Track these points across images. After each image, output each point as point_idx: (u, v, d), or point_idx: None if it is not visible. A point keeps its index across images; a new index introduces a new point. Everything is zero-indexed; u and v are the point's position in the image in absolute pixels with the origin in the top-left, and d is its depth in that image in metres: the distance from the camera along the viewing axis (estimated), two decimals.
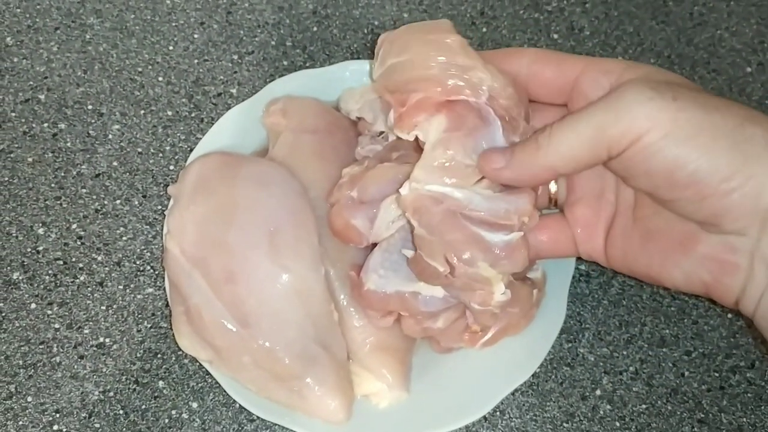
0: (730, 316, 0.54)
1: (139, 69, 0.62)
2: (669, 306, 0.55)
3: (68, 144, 0.58)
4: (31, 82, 0.61)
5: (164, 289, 0.50)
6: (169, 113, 0.60)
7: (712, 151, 0.35)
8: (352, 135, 0.52)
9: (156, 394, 0.50)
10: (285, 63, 0.63)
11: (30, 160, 0.57)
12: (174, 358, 0.51)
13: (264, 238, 0.46)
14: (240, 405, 0.49)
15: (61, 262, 0.54)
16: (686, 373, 0.52)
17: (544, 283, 0.50)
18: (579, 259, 0.55)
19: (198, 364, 0.51)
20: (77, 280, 0.53)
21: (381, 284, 0.45)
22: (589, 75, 0.41)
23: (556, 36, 0.65)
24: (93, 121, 0.59)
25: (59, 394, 0.50)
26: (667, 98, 0.36)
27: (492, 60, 0.43)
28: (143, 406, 0.50)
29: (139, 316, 0.52)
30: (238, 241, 0.46)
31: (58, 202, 0.56)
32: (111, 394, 0.50)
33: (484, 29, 0.65)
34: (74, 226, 0.55)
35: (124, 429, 0.49)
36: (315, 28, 0.65)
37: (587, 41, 0.65)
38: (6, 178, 0.57)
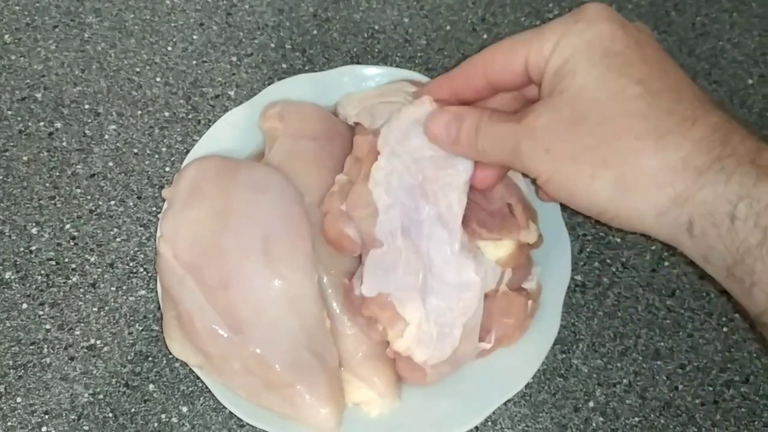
0: (725, 329, 0.54)
1: (137, 69, 0.62)
2: (664, 318, 0.54)
3: (64, 143, 0.58)
4: (28, 81, 0.60)
5: (157, 292, 0.50)
6: (166, 114, 0.60)
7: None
8: (350, 141, 0.52)
9: (146, 398, 0.50)
10: (284, 66, 0.62)
11: (25, 158, 0.57)
12: (165, 362, 0.51)
13: (258, 245, 0.46)
14: (230, 411, 0.49)
15: (54, 263, 0.54)
16: (680, 387, 0.52)
17: (539, 294, 0.49)
18: (575, 269, 0.55)
19: (189, 368, 0.50)
20: (69, 281, 0.53)
21: (367, 290, 0.44)
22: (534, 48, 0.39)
23: None
24: (89, 120, 0.59)
25: (48, 396, 0.50)
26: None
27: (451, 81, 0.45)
28: (133, 410, 0.49)
29: (131, 318, 0.52)
30: (233, 246, 0.46)
31: (53, 201, 0.56)
32: (101, 396, 0.50)
33: (485, 36, 0.65)
34: (68, 226, 0.55)
35: None
36: (315, 32, 0.64)
37: None
38: (0, 177, 0.56)
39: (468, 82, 0.44)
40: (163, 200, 0.50)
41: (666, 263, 0.56)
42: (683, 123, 0.34)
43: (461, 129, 0.42)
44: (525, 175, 0.49)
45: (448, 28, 0.65)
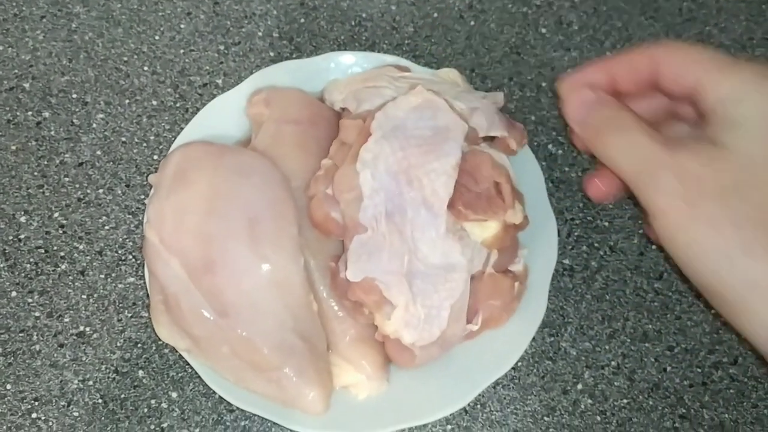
0: (713, 311, 0.54)
1: (125, 58, 0.62)
2: (652, 301, 0.54)
3: (52, 132, 0.58)
4: (16, 71, 0.60)
5: (145, 279, 0.50)
6: (154, 103, 0.60)
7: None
8: (335, 126, 0.52)
9: (135, 384, 0.50)
10: (271, 54, 0.62)
11: (13, 148, 0.57)
12: (154, 348, 0.51)
13: (244, 228, 0.46)
14: (219, 396, 0.49)
15: (43, 251, 0.54)
16: (668, 369, 0.52)
17: (526, 276, 0.50)
18: (563, 254, 0.55)
19: (178, 354, 0.50)
20: (58, 269, 0.53)
21: (352, 275, 0.44)
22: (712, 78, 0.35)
23: (544, 30, 0.65)
24: (77, 110, 0.59)
25: (38, 383, 0.50)
26: None
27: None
28: (122, 395, 0.50)
29: (120, 305, 0.52)
30: (218, 230, 0.46)
31: (41, 190, 0.56)
32: (90, 383, 0.50)
33: (472, 23, 0.65)
34: (56, 214, 0.55)
35: (103, 418, 0.49)
36: (302, 20, 0.64)
37: (575, 36, 0.65)
38: None
39: (631, 72, 0.39)
40: (151, 187, 0.50)
41: (653, 247, 0.56)
42: None
43: (599, 114, 0.37)
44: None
45: (435, 15, 0.65)
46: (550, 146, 0.60)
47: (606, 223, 0.57)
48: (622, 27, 0.66)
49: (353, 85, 0.53)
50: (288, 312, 0.45)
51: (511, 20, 0.65)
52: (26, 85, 0.60)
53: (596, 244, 0.56)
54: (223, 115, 0.54)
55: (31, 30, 0.62)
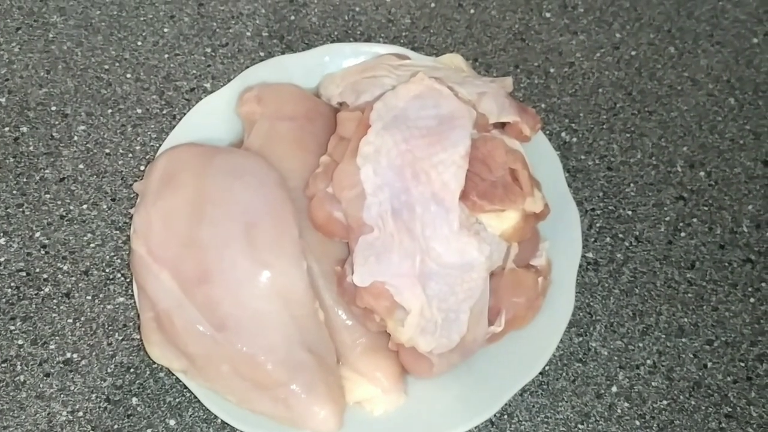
0: (752, 300, 0.50)
1: (106, 66, 0.58)
2: (686, 293, 0.50)
3: (30, 148, 0.54)
4: None
5: (135, 295, 0.46)
6: (139, 111, 0.56)
7: None
8: (333, 122, 0.48)
9: (129, 413, 0.46)
10: (261, 54, 0.59)
11: None
12: (148, 372, 0.47)
13: (240, 233, 0.42)
14: (222, 420, 0.45)
15: (24, 273, 0.50)
16: (709, 365, 0.48)
17: (549, 270, 0.46)
18: (585, 247, 0.51)
19: (175, 377, 0.46)
20: (41, 292, 0.49)
21: (360, 279, 0.40)
22: None
23: (548, 15, 0.62)
24: (57, 122, 0.55)
25: (24, 416, 0.46)
26: None
27: None
28: (116, 426, 0.45)
29: (110, 328, 0.48)
30: (211, 237, 0.42)
31: (20, 209, 0.52)
32: (80, 413, 0.46)
33: (472, 10, 0.62)
34: (38, 234, 0.51)
35: None
36: (292, 17, 0.61)
37: (582, 19, 0.62)
38: None
39: None
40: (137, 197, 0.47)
41: (682, 234, 0.52)
42: None
43: None
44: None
45: (433, 5, 0.62)
46: (563, 134, 0.56)
47: (629, 212, 0.53)
48: (630, 7, 0.62)
49: (350, 76, 0.49)
50: (293, 323, 0.41)
51: (513, 5, 0.62)
52: (2, 100, 0.56)
53: (620, 235, 0.52)
54: (211, 117, 0.51)
55: (6, 43, 0.59)
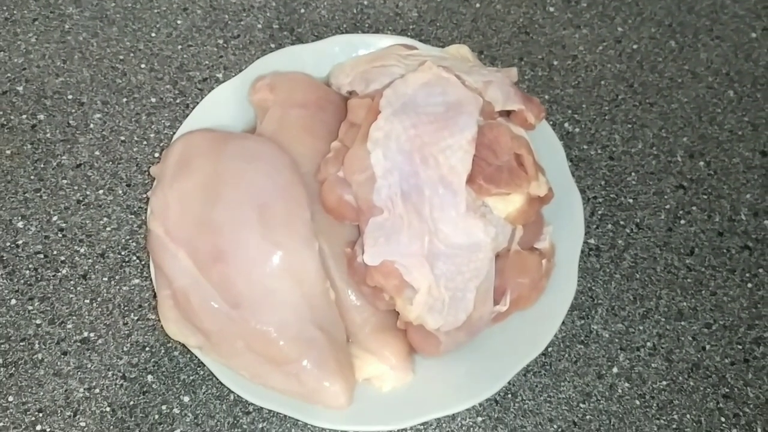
0: (750, 285, 0.51)
1: (121, 57, 0.59)
2: (685, 278, 0.52)
3: (48, 135, 0.56)
4: (9, 74, 0.58)
5: (151, 279, 0.47)
6: (153, 100, 0.57)
7: None
8: (343, 110, 0.50)
9: (145, 389, 0.47)
10: (272, 46, 0.60)
11: (8, 152, 0.55)
12: (163, 351, 0.48)
13: (253, 214, 0.43)
14: (235, 397, 0.46)
15: (42, 256, 0.51)
16: (707, 347, 0.49)
17: (553, 253, 0.47)
18: (588, 233, 0.52)
19: (189, 356, 0.48)
20: (59, 274, 0.50)
21: (370, 258, 0.42)
22: None
23: (552, 9, 0.63)
24: (73, 110, 0.57)
25: (42, 393, 0.47)
26: None
27: None
28: (131, 402, 0.47)
29: (125, 308, 0.49)
30: (226, 218, 0.43)
31: (38, 194, 0.53)
32: (97, 390, 0.47)
33: (478, 4, 0.63)
34: (55, 218, 0.52)
35: (112, 427, 0.46)
36: (302, 10, 0.62)
37: (584, 13, 0.63)
38: None
39: None
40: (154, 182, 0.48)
41: (682, 221, 0.54)
42: None
43: None
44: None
45: None
46: (566, 124, 0.57)
47: (630, 200, 0.54)
48: (632, 2, 0.64)
49: (360, 66, 0.50)
50: (304, 301, 0.43)
51: (518, 0, 0.63)
52: (20, 89, 0.58)
53: (622, 222, 0.54)
54: (224, 106, 0.52)
55: (23, 33, 0.60)
